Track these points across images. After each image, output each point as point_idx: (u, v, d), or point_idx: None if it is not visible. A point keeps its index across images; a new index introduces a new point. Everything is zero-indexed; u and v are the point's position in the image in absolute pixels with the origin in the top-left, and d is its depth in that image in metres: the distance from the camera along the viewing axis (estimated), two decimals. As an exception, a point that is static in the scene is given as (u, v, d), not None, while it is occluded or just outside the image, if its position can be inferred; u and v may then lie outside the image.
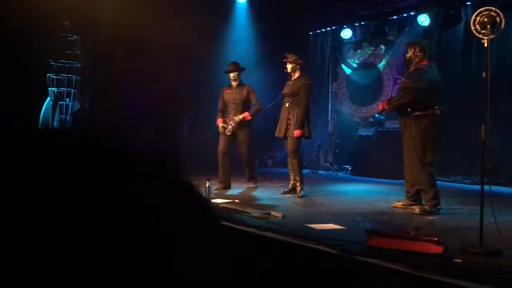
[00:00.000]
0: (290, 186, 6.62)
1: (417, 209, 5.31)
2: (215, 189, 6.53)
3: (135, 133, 0.39)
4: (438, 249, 3.46)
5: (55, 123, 8.56)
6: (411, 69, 5.50)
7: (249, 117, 6.82)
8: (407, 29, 9.88)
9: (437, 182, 5.44)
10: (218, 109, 7.07)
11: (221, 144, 6.88)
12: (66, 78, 8.64)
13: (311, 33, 11.84)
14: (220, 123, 6.95)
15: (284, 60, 6.59)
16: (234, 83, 6.90)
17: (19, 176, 0.33)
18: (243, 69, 6.99)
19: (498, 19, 3.76)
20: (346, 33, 10.85)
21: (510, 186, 7.63)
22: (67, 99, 8.78)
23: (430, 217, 5.09)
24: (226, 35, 10.76)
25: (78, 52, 8.69)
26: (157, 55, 8.96)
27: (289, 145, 6.48)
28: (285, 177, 7.10)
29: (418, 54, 5.38)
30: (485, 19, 3.76)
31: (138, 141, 0.39)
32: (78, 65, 8.75)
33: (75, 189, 0.32)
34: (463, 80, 8.55)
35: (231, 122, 6.75)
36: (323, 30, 11.62)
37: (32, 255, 0.30)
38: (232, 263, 0.34)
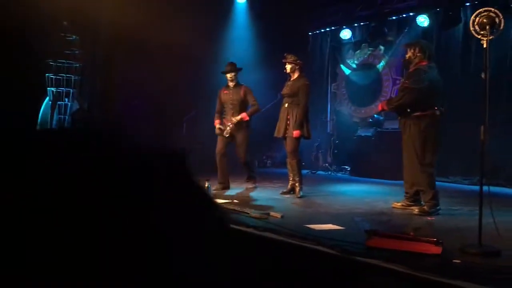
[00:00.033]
0: (289, 186, 6.62)
1: (416, 209, 5.31)
2: (213, 190, 6.54)
3: (135, 133, 0.39)
4: (437, 250, 3.46)
5: (54, 123, 8.55)
6: (410, 70, 5.50)
7: (247, 118, 6.79)
8: (406, 30, 9.88)
9: (436, 182, 5.45)
10: (215, 110, 7.05)
11: (219, 145, 6.87)
12: (65, 78, 8.63)
13: (310, 33, 11.84)
14: (217, 124, 6.93)
15: (283, 61, 6.59)
16: (231, 84, 6.88)
17: (19, 176, 0.33)
18: (240, 69, 6.97)
19: (497, 20, 3.77)
20: (346, 34, 10.86)
21: (509, 186, 7.64)
22: (66, 99, 8.77)
23: (429, 218, 5.10)
24: (226, 35, 10.76)
25: (77, 52, 8.68)
26: (156, 55, 8.96)
27: (288, 146, 6.48)
28: (284, 178, 7.10)
29: (418, 54, 5.38)
30: (484, 20, 3.76)
31: (138, 141, 0.39)
32: (77, 65, 8.74)
33: (75, 189, 0.32)
34: (462, 81, 8.56)
35: (229, 124, 6.73)
36: (322, 30, 11.63)
37: (32, 255, 0.30)
38: (232, 263, 0.34)
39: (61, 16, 8.33)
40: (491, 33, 3.76)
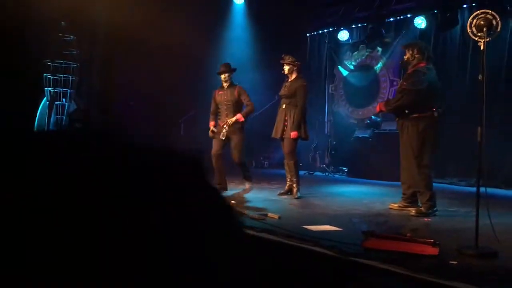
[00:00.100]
0: (286, 187, 6.62)
1: (413, 210, 5.32)
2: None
3: (134, 133, 0.39)
4: (434, 251, 3.47)
5: (51, 124, 8.53)
6: (409, 71, 5.50)
7: (242, 119, 6.72)
8: (403, 32, 9.91)
9: (433, 184, 5.46)
10: (210, 112, 7.01)
11: (215, 146, 6.82)
12: (62, 78, 8.61)
13: (308, 34, 11.86)
14: (211, 126, 6.90)
15: (281, 62, 6.59)
16: (225, 84, 6.84)
17: (19, 176, 0.33)
18: (234, 70, 6.93)
19: (494, 22, 3.78)
20: (343, 35, 10.88)
21: (506, 188, 7.66)
22: (64, 100, 8.76)
23: (426, 219, 5.11)
24: (224, 36, 10.76)
25: (74, 52, 8.67)
26: (154, 55, 8.96)
27: (286, 147, 6.48)
28: (281, 179, 7.11)
29: (417, 56, 5.38)
30: (482, 22, 3.77)
31: (139, 141, 0.39)
32: (75, 65, 8.72)
33: (75, 189, 0.32)
34: (459, 82, 8.59)
35: (225, 126, 6.68)
36: (320, 31, 11.65)
37: (32, 255, 0.30)
38: (233, 263, 0.34)
39: (59, 16, 8.32)
40: (488, 35, 3.77)
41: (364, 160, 9.19)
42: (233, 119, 6.65)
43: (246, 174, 7.14)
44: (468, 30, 3.88)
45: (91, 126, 0.40)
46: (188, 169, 0.38)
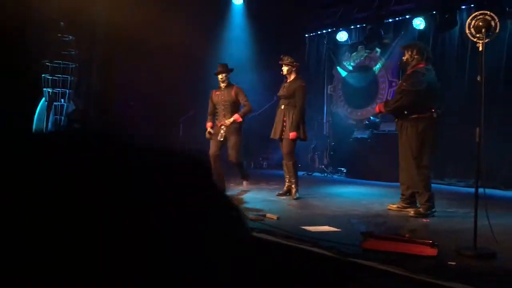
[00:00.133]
0: (285, 188, 6.62)
1: (411, 211, 5.32)
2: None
3: (134, 133, 0.39)
4: (432, 252, 3.47)
5: (50, 124, 8.52)
6: (408, 72, 5.50)
7: (240, 119, 6.70)
8: (402, 33, 9.92)
9: (432, 184, 5.46)
10: (208, 112, 6.99)
11: (212, 147, 6.79)
12: (61, 78, 8.60)
13: (307, 35, 11.87)
14: (208, 127, 6.89)
15: (280, 62, 6.59)
16: (222, 85, 6.82)
17: (19, 176, 0.33)
18: (232, 70, 6.92)
19: (493, 23, 3.78)
20: (342, 36, 10.89)
21: (504, 189, 7.67)
22: (62, 100, 8.75)
23: (424, 220, 5.11)
24: (222, 36, 10.76)
25: (73, 52, 8.66)
26: (153, 56, 8.96)
27: (285, 147, 6.48)
28: (280, 179, 7.11)
29: (416, 56, 5.38)
30: (480, 23, 3.78)
31: (138, 141, 0.39)
32: (74, 65, 8.72)
33: (75, 189, 0.32)
34: (458, 83, 8.60)
35: (223, 127, 6.66)
36: (319, 32, 11.65)
37: (32, 255, 0.30)
38: (232, 263, 0.34)
39: (58, 16, 8.31)
40: (487, 36, 3.77)
41: (362, 161, 9.19)
42: (231, 119, 6.64)
43: (244, 173, 7.14)
44: (467, 31, 3.89)
45: (89, 127, 0.40)
46: (188, 169, 0.38)
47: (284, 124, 6.43)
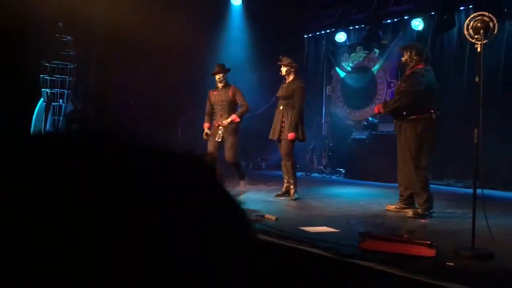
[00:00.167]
0: (284, 188, 6.62)
1: (410, 212, 5.33)
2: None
3: (132, 133, 0.39)
4: (430, 252, 3.48)
5: (48, 124, 8.52)
6: (407, 73, 5.50)
7: (238, 119, 6.70)
8: (401, 33, 9.93)
9: (430, 185, 5.47)
10: (205, 113, 6.99)
11: (210, 148, 6.78)
12: (59, 79, 8.59)
13: (305, 36, 11.88)
14: (205, 128, 6.88)
15: (278, 63, 6.60)
16: (220, 85, 6.82)
17: (19, 176, 0.33)
18: (229, 70, 6.92)
19: (491, 24, 3.79)
20: (341, 37, 10.89)
21: (502, 190, 7.68)
22: (61, 100, 8.74)
23: (423, 220, 5.12)
24: (221, 37, 10.76)
25: (71, 53, 8.66)
26: (152, 56, 8.95)
27: (283, 148, 6.49)
28: (279, 180, 7.11)
29: (415, 57, 5.39)
30: (478, 24, 3.79)
31: (137, 141, 0.39)
32: (72, 66, 8.71)
33: (76, 189, 0.32)
34: (457, 85, 8.61)
35: (220, 127, 6.65)
36: (317, 33, 11.66)
37: (32, 255, 0.30)
38: (233, 263, 0.34)
39: (56, 17, 8.31)
40: (485, 37, 3.78)
41: (361, 161, 9.20)
42: (229, 120, 6.64)
43: (241, 173, 7.13)
44: (465, 32, 3.89)
45: (88, 127, 0.40)
46: (189, 169, 0.38)
47: (283, 124, 6.44)
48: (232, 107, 6.76)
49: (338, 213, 5.47)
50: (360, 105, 10.80)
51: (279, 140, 6.52)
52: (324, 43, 11.56)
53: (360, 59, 10.89)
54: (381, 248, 3.57)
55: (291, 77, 6.54)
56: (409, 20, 9.59)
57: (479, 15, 3.85)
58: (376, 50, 10.52)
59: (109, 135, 0.37)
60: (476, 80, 3.77)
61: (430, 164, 5.51)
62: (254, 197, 6.53)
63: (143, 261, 0.31)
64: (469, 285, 2.86)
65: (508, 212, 5.59)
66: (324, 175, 10.04)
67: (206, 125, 6.89)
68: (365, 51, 10.70)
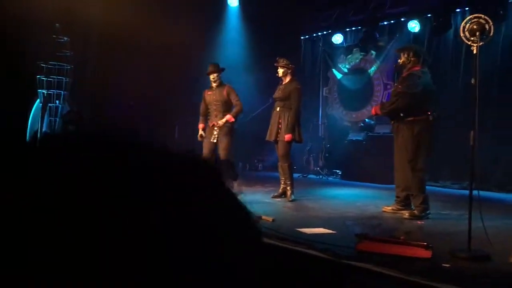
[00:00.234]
0: (280, 190, 6.62)
1: (406, 213, 5.34)
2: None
3: (131, 133, 0.39)
4: (427, 254, 3.48)
5: (44, 125, 8.49)
6: (404, 74, 5.51)
7: (232, 119, 6.68)
8: (397, 35, 9.96)
9: (426, 187, 5.48)
10: (200, 113, 6.96)
11: (205, 150, 6.75)
12: (56, 80, 8.57)
13: (302, 37, 11.90)
14: (200, 129, 6.86)
15: (275, 64, 6.60)
16: (214, 84, 6.81)
17: (19, 176, 0.33)
18: (223, 69, 6.90)
19: (487, 26, 3.81)
20: (337, 38, 10.91)
21: (498, 191, 7.70)
22: (57, 101, 8.72)
23: (419, 222, 5.12)
24: (218, 38, 10.76)
25: (68, 54, 8.64)
26: (148, 57, 8.95)
27: (280, 149, 6.49)
28: (275, 181, 7.11)
29: (412, 59, 5.40)
30: (474, 26, 3.80)
31: (135, 141, 0.39)
32: (69, 67, 8.69)
33: (76, 189, 0.32)
34: (453, 87, 8.64)
35: (216, 128, 6.63)
36: (314, 35, 11.68)
37: (32, 255, 0.30)
38: (233, 263, 0.34)
39: (53, 18, 8.29)
40: (481, 39, 3.80)
41: (357, 163, 9.21)
42: (224, 120, 6.61)
43: (234, 174, 7.10)
44: (461, 35, 3.91)
45: (84, 128, 0.40)
46: (189, 169, 0.38)
47: (280, 126, 6.44)
48: (226, 106, 6.73)
49: (334, 214, 5.47)
50: (356, 106, 10.82)
51: (276, 141, 6.52)
52: (321, 44, 11.57)
53: (357, 60, 10.92)
54: (377, 249, 3.58)
55: (287, 79, 6.55)
56: (406, 22, 9.62)
57: (475, 17, 3.87)
58: (373, 52, 10.54)
59: (106, 136, 0.37)
60: (472, 82, 3.78)
61: (427, 166, 5.52)
62: (250, 198, 6.51)
63: (143, 261, 0.31)
64: (465, 287, 2.87)
65: (504, 214, 5.61)
66: (320, 176, 10.05)
67: (200, 126, 6.86)
68: (361, 53, 10.73)
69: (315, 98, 11.52)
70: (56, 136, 0.39)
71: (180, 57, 9.07)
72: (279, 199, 6.47)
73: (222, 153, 6.69)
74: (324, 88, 11.66)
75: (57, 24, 8.42)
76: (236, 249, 0.35)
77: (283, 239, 3.95)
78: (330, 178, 9.96)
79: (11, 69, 7.34)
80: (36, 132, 7.83)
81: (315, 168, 10.33)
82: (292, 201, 6.36)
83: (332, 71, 11.43)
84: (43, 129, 8.21)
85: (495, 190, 7.70)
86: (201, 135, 6.80)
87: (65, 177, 0.33)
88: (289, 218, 5.22)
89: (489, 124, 7.76)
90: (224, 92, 6.70)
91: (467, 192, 3.89)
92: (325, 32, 11.33)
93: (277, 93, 6.58)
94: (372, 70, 10.62)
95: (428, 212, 5.29)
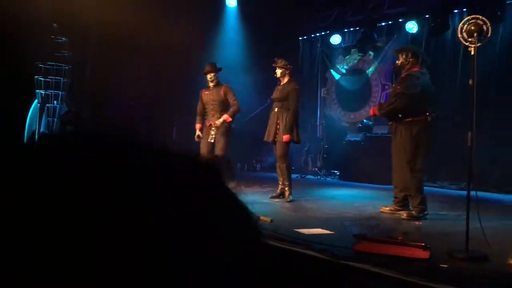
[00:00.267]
0: (278, 190, 6.62)
1: (404, 214, 5.34)
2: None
3: (131, 133, 0.39)
4: (424, 254, 3.49)
5: (42, 126, 8.48)
6: (402, 75, 5.51)
7: (230, 119, 6.67)
8: (395, 36, 9.98)
9: (424, 187, 5.49)
10: (197, 112, 6.95)
11: (203, 150, 6.75)
12: (54, 80, 8.56)
13: (300, 38, 11.90)
14: (197, 129, 6.85)
15: (273, 65, 6.60)
16: (211, 84, 6.81)
17: (19, 176, 0.33)
18: (220, 69, 6.90)
19: (485, 27, 3.81)
20: (336, 39, 10.92)
21: (496, 192, 7.72)
22: (55, 102, 8.70)
23: (417, 222, 5.13)
24: (216, 39, 10.76)
25: (66, 54, 8.62)
26: (146, 58, 8.95)
27: (278, 150, 6.49)
28: (273, 182, 7.11)
29: (411, 60, 5.40)
30: (472, 27, 3.81)
31: (134, 142, 0.39)
32: (67, 67, 8.68)
33: (76, 189, 0.32)
34: (451, 87, 8.65)
35: (213, 128, 6.62)
36: (312, 35, 11.69)
37: (32, 255, 0.30)
38: (233, 263, 0.34)
39: (51, 18, 8.28)
40: (479, 40, 3.80)
41: (356, 163, 9.22)
42: (221, 120, 6.61)
43: (232, 174, 7.09)
44: (459, 35, 3.91)
45: (82, 129, 0.40)
46: (189, 169, 0.38)
47: (278, 126, 6.44)
48: (223, 106, 6.73)
49: (332, 215, 5.48)
50: (354, 107, 10.83)
51: (274, 142, 6.52)
52: (319, 45, 11.58)
53: (355, 61, 10.93)
54: (375, 250, 3.58)
55: (286, 79, 6.55)
56: (404, 22, 9.63)
57: (473, 18, 3.88)
58: (371, 53, 10.55)
59: (106, 136, 0.37)
60: (470, 83, 3.79)
61: (426, 167, 5.53)
62: (248, 199, 6.49)
63: (143, 261, 0.31)
64: (463, 287, 2.88)
65: (502, 215, 5.62)
66: (318, 177, 10.05)
67: (197, 126, 6.85)
68: (359, 54, 10.74)
69: (313, 98, 11.53)
70: (54, 136, 0.39)
71: (180, 57, 9.07)
72: (277, 200, 6.48)
73: (220, 153, 6.68)
74: (322, 89, 11.67)
75: (54, 25, 8.41)
76: (236, 249, 0.35)
77: (281, 239, 3.95)
78: (328, 179, 9.97)
79: (9, 70, 7.33)
80: (34, 132, 7.82)
81: (313, 169, 10.33)
82: (290, 201, 6.36)
83: (330, 71, 11.44)
84: (41, 130, 8.19)
85: (493, 191, 7.72)
86: (198, 135, 6.80)
87: (63, 177, 0.33)
88: (287, 219, 5.22)
89: (487, 125, 7.77)
90: (221, 92, 6.70)
91: (465, 192, 3.89)
92: (323, 33, 11.34)
93: (275, 94, 6.58)
94: (370, 71, 10.64)
95: (426, 212, 5.30)
